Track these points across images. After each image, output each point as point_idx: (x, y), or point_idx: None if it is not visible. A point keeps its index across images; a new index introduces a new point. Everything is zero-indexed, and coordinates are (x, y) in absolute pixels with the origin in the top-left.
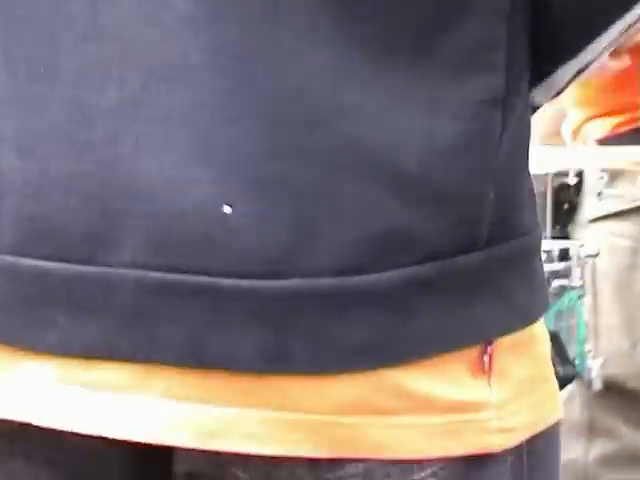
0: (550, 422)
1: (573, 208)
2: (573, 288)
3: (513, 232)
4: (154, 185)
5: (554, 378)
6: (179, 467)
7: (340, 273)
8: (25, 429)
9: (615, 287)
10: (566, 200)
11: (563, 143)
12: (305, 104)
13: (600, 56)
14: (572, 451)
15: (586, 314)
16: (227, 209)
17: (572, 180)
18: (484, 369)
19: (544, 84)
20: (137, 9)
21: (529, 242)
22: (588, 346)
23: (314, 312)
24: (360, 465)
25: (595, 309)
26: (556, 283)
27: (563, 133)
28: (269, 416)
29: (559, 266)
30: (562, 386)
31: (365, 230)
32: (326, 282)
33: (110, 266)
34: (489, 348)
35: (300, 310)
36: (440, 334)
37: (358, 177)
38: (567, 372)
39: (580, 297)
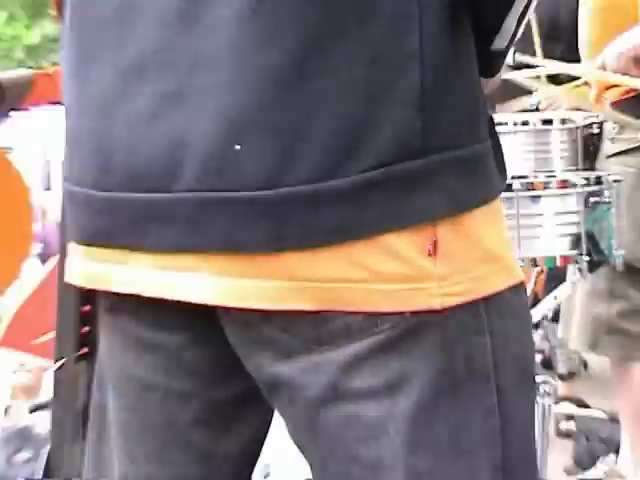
0: (499, 288)
1: (596, 149)
2: (604, 203)
3: (448, 143)
4: (199, 136)
5: (508, 257)
6: (229, 334)
7: (314, 181)
8: (125, 307)
9: (626, 200)
10: (591, 144)
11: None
12: (279, 72)
13: None
14: (598, 308)
15: (612, 220)
16: (237, 147)
17: (595, 130)
18: (430, 252)
19: (500, 33)
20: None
21: (465, 151)
22: (614, 242)
23: (299, 209)
24: (342, 321)
25: (617, 216)
26: (592, 199)
27: (590, 99)
28: (277, 284)
29: (595, 188)
30: (597, 267)
31: (330, 151)
32: (304, 188)
33: (177, 192)
34: (434, 235)
35: (289, 208)
36: (388, 219)
37: (322, 118)
38: (599, 259)
39: (609, 209)
